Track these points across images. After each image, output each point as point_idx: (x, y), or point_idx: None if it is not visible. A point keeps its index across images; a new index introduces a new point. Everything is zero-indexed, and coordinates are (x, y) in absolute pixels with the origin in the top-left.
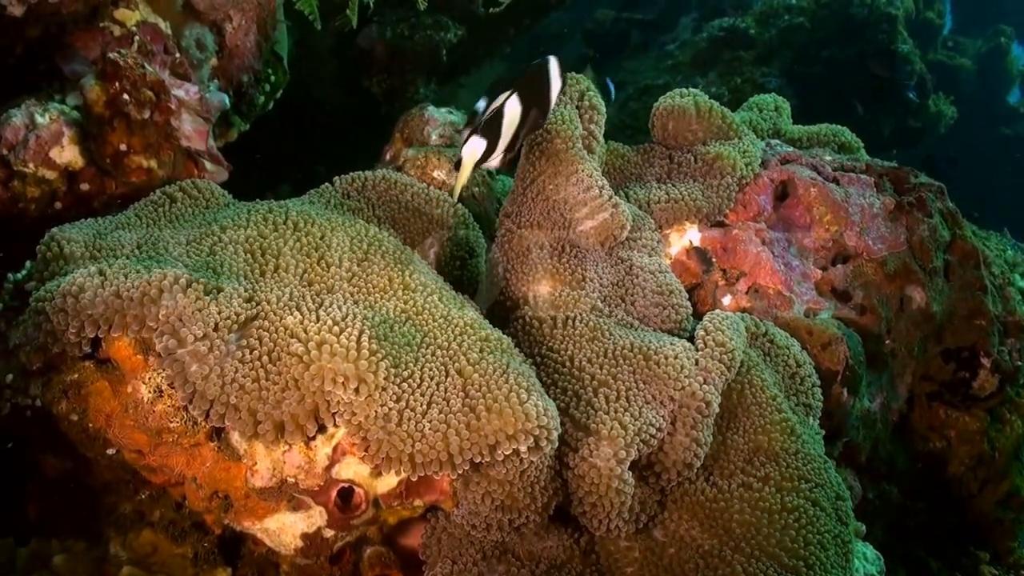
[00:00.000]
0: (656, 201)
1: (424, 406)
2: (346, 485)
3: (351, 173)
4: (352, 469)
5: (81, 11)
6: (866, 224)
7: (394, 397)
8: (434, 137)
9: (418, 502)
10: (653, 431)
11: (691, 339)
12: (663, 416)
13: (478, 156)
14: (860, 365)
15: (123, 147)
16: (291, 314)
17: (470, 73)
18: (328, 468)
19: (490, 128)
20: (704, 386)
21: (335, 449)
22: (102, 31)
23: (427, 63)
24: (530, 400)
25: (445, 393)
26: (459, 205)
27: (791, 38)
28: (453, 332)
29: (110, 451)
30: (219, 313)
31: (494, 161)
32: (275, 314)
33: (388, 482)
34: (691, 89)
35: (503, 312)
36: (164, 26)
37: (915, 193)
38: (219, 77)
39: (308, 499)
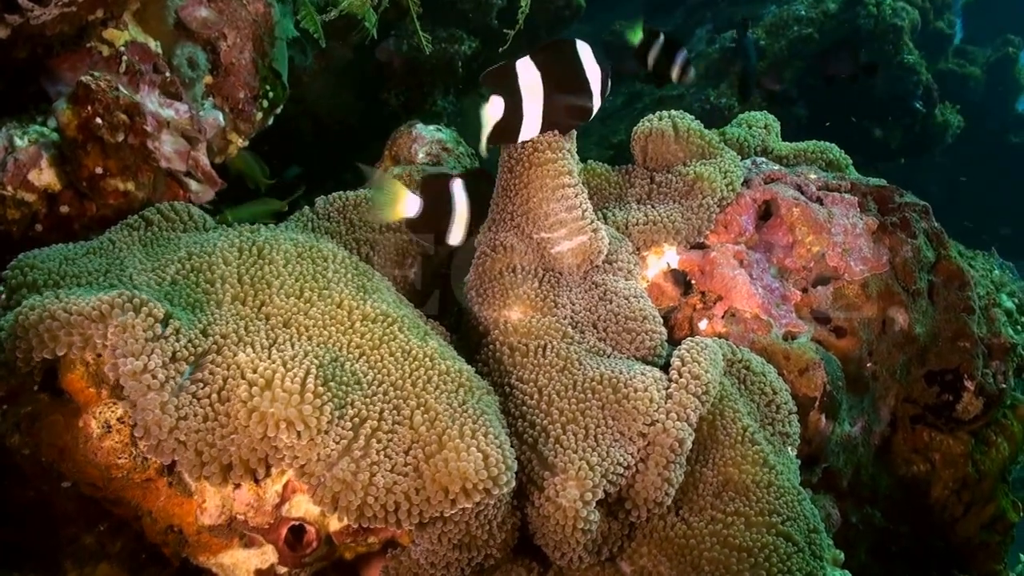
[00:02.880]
0: (635, 223)
1: (375, 454)
2: (297, 523)
3: (332, 194)
4: (303, 507)
5: (68, 32)
6: (849, 245)
7: (337, 439)
8: (421, 155)
9: (372, 539)
10: (621, 470)
11: (666, 366)
12: (631, 453)
13: (497, 114)
14: (839, 390)
15: (99, 170)
16: (243, 351)
17: None
18: (278, 506)
19: (504, 87)
20: (677, 423)
21: (285, 487)
22: (89, 52)
23: (443, 75)
24: (470, 457)
25: (393, 442)
26: None
27: (800, 49)
28: (410, 367)
29: (65, 484)
30: (176, 342)
31: (532, 127)
32: (228, 350)
33: (339, 521)
34: (671, 111)
35: (476, 337)
36: (154, 45)
37: (899, 213)
38: (214, 95)
39: (259, 536)
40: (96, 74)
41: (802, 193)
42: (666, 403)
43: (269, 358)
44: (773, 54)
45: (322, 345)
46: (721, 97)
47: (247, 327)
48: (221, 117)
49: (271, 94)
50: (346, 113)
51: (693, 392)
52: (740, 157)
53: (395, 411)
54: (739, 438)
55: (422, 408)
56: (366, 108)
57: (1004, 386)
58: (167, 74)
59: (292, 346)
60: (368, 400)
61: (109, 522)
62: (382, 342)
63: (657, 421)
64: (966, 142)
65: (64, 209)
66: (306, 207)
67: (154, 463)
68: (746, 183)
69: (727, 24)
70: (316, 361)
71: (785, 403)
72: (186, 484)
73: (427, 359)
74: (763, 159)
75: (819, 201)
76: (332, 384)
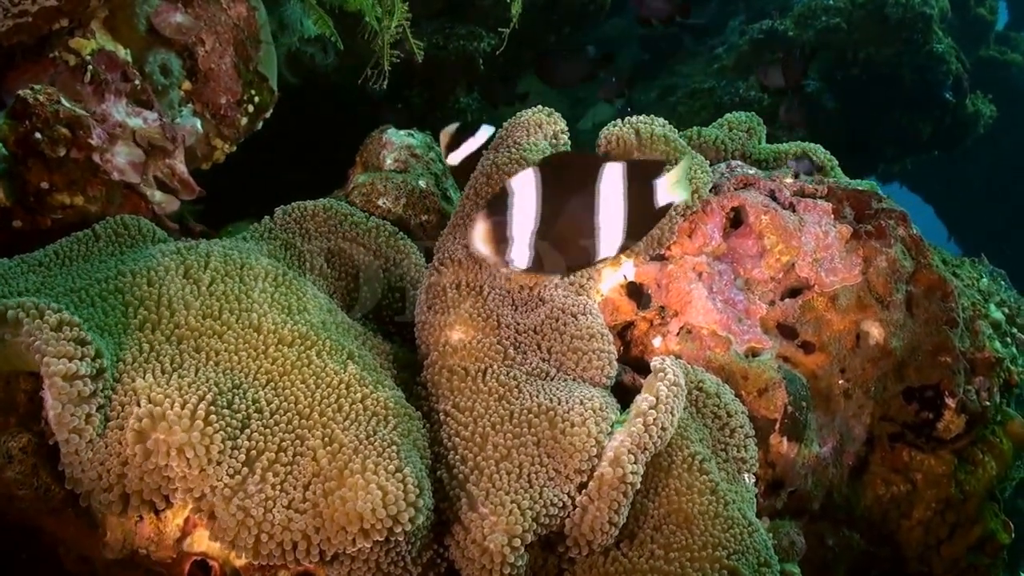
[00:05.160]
0: None
1: (270, 488)
2: (200, 558)
3: (292, 203)
4: (205, 542)
5: (27, 42)
6: (820, 254)
7: (231, 471)
8: (389, 161)
9: (284, 573)
10: (554, 511)
11: (618, 385)
12: (567, 492)
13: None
14: (803, 411)
15: (44, 185)
16: (142, 377)
17: (518, 81)
18: (180, 540)
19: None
20: (635, 467)
21: (187, 521)
22: (53, 62)
23: (463, 72)
24: (368, 496)
25: (292, 475)
26: (402, 236)
27: (829, 39)
28: (321, 394)
29: None
30: (95, 363)
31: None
32: (128, 376)
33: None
34: (639, 116)
35: (420, 358)
36: (124, 53)
37: (874, 220)
38: (194, 101)
39: (163, 570)
40: (37, 87)
41: (775, 199)
42: (628, 441)
43: (167, 384)
44: (801, 45)
45: (227, 371)
46: (751, 90)
47: (153, 351)
48: (199, 124)
49: (257, 99)
50: (370, 111)
51: (654, 441)
52: (717, 160)
53: (298, 441)
54: (685, 466)
55: (327, 439)
56: (391, 106)
57: (988, 403)
58: (136, 82)
59: (195, 372)
60: (268, 430)
61: (36, 550)
62: (294, 368)
63: (595, 453)
64: (1006, 131)
65: (17, 224)
66: (266, 217)
67: (58, 495)
68: (715, 189)
69: (759, 15)
70: (215, 388)
71: (740, 426)
72: (92, 515)
73: (342, 386)
74: (739, 163)
75: (792, 208)
76: (226, 412)
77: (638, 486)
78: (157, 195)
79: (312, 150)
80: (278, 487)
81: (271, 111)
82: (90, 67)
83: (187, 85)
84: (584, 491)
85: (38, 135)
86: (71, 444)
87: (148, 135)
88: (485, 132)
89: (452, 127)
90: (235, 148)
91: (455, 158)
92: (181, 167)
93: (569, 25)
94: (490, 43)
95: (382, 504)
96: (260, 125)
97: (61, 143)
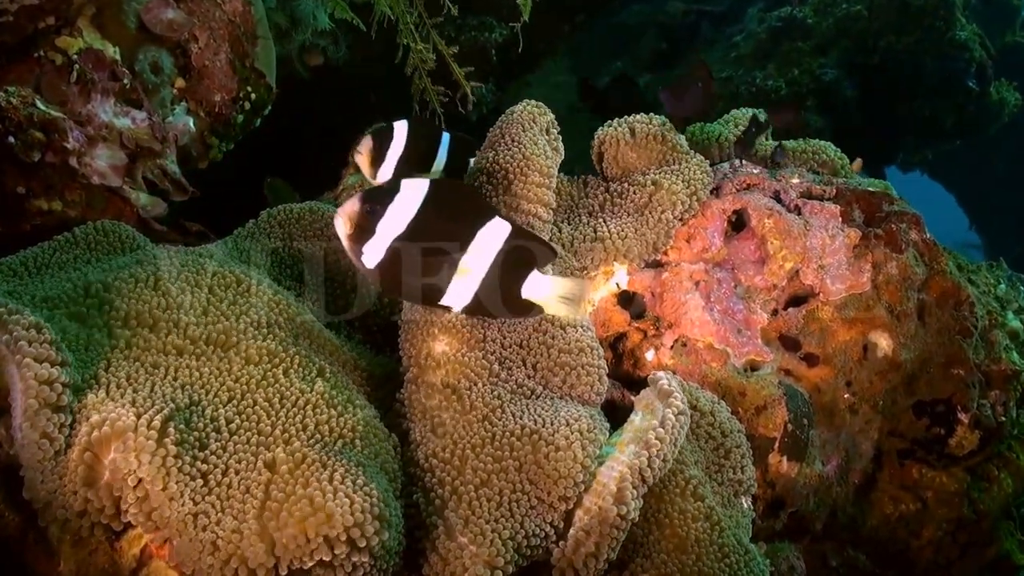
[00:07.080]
0: (582, 239)
1: (223, 510)
2: None
3: (279, 206)
4: (162, 573)
5: (11, 42)
6: (826, 260)
7: (191, 492)
8: None
9: None
10: (536, 542)
11: (606, 401)
12: (550, 521)
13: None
14: (804, 428)
15: (20, 190)
16: (94, 392)
17: (534, 71)
18: (135, 572)
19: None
20: (636, 502)
21: (143, 551)
22: (39, 62)
23: (476, 64)
24: (336, 503)
25: (249, 495)
26: None
27: (849, 27)
28: (285, 414)
29: None
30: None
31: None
32: (81, 392)
33: None
34: (636, 115)
35: (403, 371)
36: (112, 51)
37: (885, 224)
38: (188, 99)
39: None
40: (10, 89)
41: (780, 201)
42: (630, 475)
43: (121, 398)
44: (821, 33)
45: (186, 387)
46: (768, 79)
47: (112, 366)
48: (191, 122)
49: (253, 96)
50: (382, 107)
51: (655, 473)
52: (720, 158)
53: (255, 460)
54: (679, 491)
55: (288, 455)
56: (403, 100)
57: (1004, 418)
58: (125, 81)
59: (152, 388)
60: (225, 450)
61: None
62: (259, 386)
63: (622, 503)
64: None
65: None
66: (251, 220)
67: (12, 520)
68: (717, 191)
69: (778, 2)
70: (172, 404)
71: (737, 447)
72: (49, 542)
73: (308, 406)
74: (744, 161)
75: (797, 210)
76: (183, 429)
77: (635, 519)
78: (142, 198)
79: (323, 145)
80: (228, 510)
81: (269, 108)
82: (76, 66)
83: (180, 83)
84: (579, 525)
85: (11, 139)
86: (42, 450)
87: (136, 136)
88: (402, 129)
89: (367, 140)
90: (232, 146)
91: (385, 172)
92: (173, 167)
93: (583, 13)
94: (502, 34)
95: (349, 511)
96: (258, 122)
97: (35, 147)
